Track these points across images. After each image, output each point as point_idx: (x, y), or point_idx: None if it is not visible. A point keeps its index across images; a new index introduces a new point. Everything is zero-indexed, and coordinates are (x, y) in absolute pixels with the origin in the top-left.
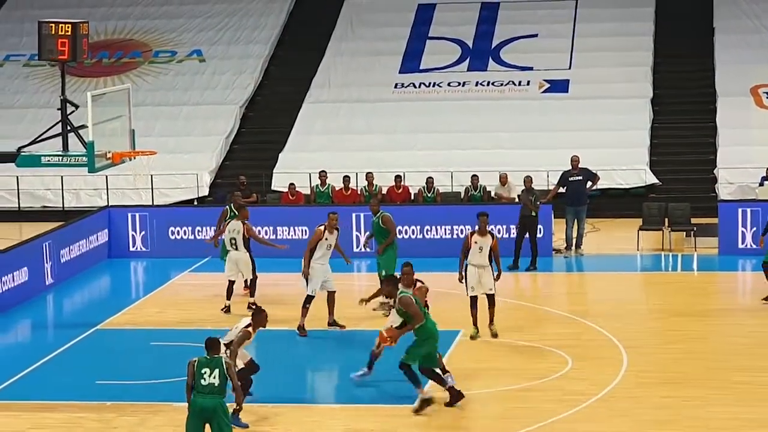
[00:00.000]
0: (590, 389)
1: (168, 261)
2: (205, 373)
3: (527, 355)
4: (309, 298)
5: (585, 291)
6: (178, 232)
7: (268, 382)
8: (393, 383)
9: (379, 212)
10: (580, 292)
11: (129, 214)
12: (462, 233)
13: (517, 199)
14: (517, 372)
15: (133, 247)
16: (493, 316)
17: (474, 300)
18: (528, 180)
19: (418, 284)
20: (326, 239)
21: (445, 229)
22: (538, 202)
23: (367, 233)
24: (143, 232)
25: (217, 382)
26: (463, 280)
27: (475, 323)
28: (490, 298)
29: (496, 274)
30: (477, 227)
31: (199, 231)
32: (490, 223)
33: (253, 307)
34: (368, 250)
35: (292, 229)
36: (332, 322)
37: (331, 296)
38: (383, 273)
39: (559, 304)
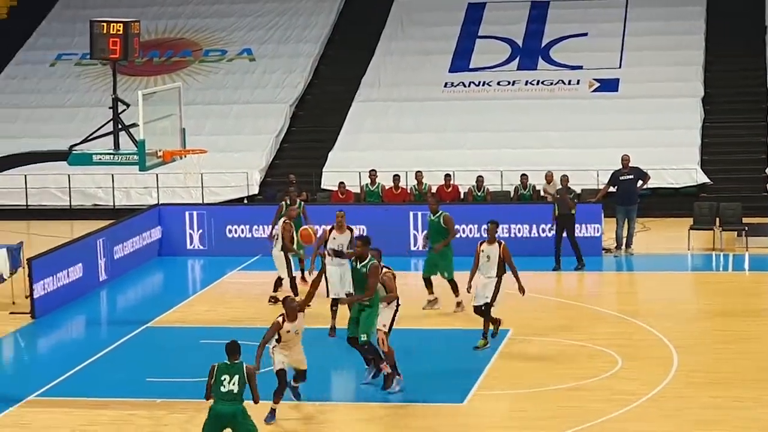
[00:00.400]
0: (640, 389)
1: (220, 259)
2: (225, 379)
3: (577, 354)
4: (333, 301)
5: (635, 290)
6: (235, 230)
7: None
8: (437, 381)
9: (439, 212)
10: (630, 292)
11: (186, 213)
12: (511, 232)
13: (551, 198)
14: (567, 371)
15: (191, 245)
16: (486, 329)
17: (477, 310)
18: (565, 178)
19: (385, 270)
20: (335, 239)
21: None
22: (576, 200)
23: (425, 232)
24: (201, 231)
25: (236, 389)
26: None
27: (484, 334)
28: (486, 308)
29: (517, 285)
30: (486, 235)
31: (255, 229)
32: (538, 222)
33: (272, 301)
34: (426, 249)
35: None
36: (332, 328)
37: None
38: (446, 275)
39: (609, 304)
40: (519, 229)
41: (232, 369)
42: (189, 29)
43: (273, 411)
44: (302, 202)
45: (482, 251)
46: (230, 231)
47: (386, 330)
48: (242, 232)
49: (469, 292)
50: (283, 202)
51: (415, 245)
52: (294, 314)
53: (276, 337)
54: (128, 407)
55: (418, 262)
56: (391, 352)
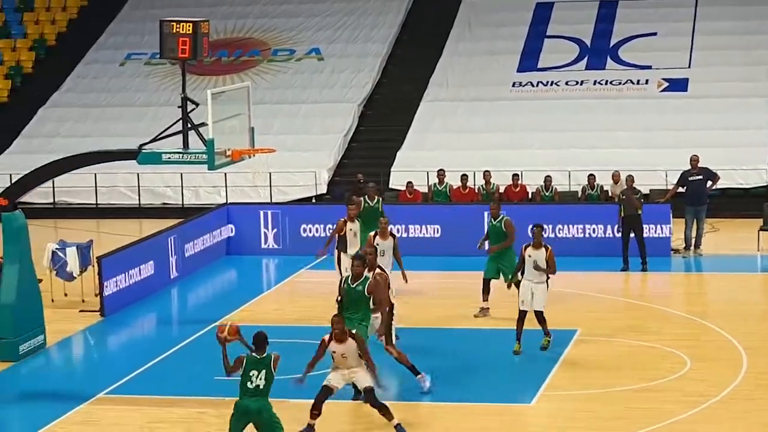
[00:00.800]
0: (709, 390)
1: (293, 258)
2: (253, 375)
3: (645, 355)
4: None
5: (704, 291)
6: (309, 229)
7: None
8: (505, 382)
9: (501, 216)
10: (699, 293)
11: (261, 212)
12: (579, 233)
13: (617, 198)
14: (635, 372)
15: (265, 244)
16: (546, 329)
17: (522, 315)
18: (630, 179)
19: (378, 270)
20: (378, 245)
21: (566, 228)
22: (642, 201)
23: (483, 236)
24: (275, 230)
25: (262, 384)
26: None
27: (518, 338)
28: (538, 315)
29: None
30: (532, 239)
31: (329, 228)
32: (602, 222)
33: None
34: (484, 249)
35: (409, 227)
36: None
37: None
38: (509, 277)
39: (677, 305)
40: (586, 229)
41: (261, 364)
42: (258, 29)
43: (310, 427)
44: (380, 199)
45: (529, 255)
46: (304, 230)
47: (384, 339)
48: (316, 231)
49: (509, 288)
50: (361, 199)
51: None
52: (341, 337)
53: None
54: (196, 405)
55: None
56: (402, 355)
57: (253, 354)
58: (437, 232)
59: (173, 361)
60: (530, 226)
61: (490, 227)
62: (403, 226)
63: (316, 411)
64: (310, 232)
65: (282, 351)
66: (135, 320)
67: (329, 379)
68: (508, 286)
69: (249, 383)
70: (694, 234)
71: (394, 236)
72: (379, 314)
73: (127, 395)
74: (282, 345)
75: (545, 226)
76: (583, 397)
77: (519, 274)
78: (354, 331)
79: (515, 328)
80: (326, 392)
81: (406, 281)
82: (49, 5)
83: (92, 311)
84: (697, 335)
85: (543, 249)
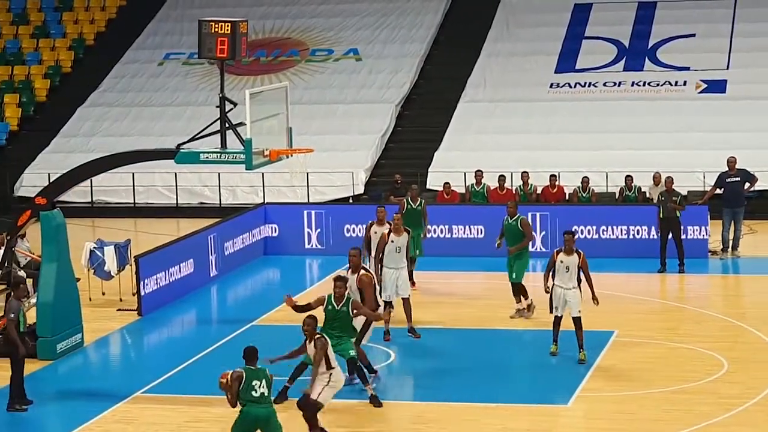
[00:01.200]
0: (746, 393)
1: (332, 258)
2: (256, 385)
3: (682, 357)
4: (386, 304)
5: (741, 293)
6: (353, 229)
7: (423, 381)
8: (543, 382)
9: (517, 215)
10: (736, 295)
11: (305, 211)
12: (614, 233)
13: (656, 200)
14: (672, 374)
15: (308, 244)
16: (582, 340)
17: (557, 320)
18: (669, 181)
19: (363, 271)
20: (392, 242)
21: (605, 229)
22: (683, 205)
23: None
24: (318, 230)
25: (266, 391)
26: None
27: (555, 340)
28: (576, 321)
29: (591, 295)
30: (563, 246)
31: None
32: (640, 223)
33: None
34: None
35: (447, 228)
36: (409, 329)
37: (405, 303)
38: (514, 276)
39: (714, 307)
40: (623, 230)
41: (259, 373)
42: (296, 29)
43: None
44: (422, 201)
45: (561, 261)
46: (347, 230)
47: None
48: (360, 231)
49: (547, 292)
50: (404, 200)
51: (533, 246)
52: (311, 338)
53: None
54: None
55: (537, 263)
56: (362, 352)
57: (249, 367)
58: (481, 233)
59: (210, 360)
60: (563, 233)
61: (505, 225)
62: (447, 227)
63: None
64: (354, 232)
65: None
66: (172, 319)
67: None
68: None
69: (254, 392)
70: (731, 236)
71: (408, 231)
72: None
73: (164, 394)
74: None
75: (577, 228)
76: (619, 399)
77: (550, 277)
78: (317, 336)
79: (552, 329)
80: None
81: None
82: (88, 5)
83: (130, 310)
84: (734, 337)
85: (575, 255)
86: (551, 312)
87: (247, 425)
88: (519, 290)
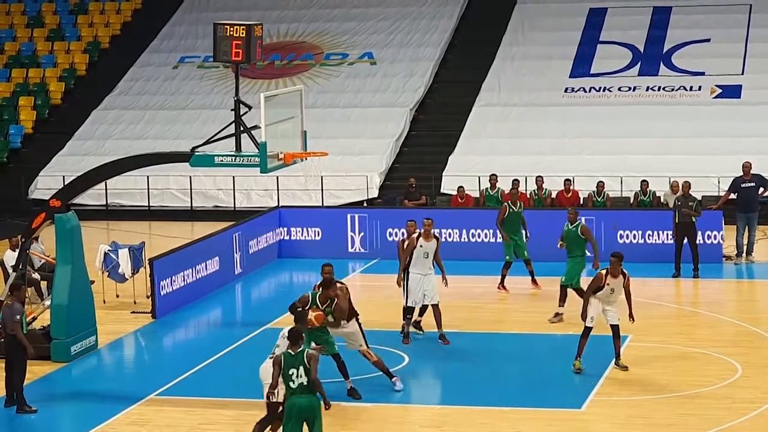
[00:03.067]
0: (760, 398)
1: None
2: (293, 374)
3: (696, 361)
4: (408, 309)
5: (755, 298)
6: (395, 233)
7: (436, 384)
8: (556, 386)
9: (578, 221)
10: (751, 300)
11: (348, 215)
12: (628, 238)
13: (672, 205)
14: (686, 378)
15: (352, 248)
16: (619, 349)
17: (587, 331)
18: (686, 185)
19: (338, 285)
20: (421, 246)
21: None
22: (699, 210)
23: (559, 240)
24: (362, 234)
25: (305, 380)
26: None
27: (579, 354)
28: (615, 329)
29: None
30: (609, 268)
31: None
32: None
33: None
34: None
35: (461, 232)
36: (440, 336)
37: (434, 309)
38: (563, 279)
39: (728, 311)
40: (638, 235)
41: (296, 360)
42: (310, 33)
43: None
44: (522, 204)
45: (607, 284)
46: (389, 234)
47: (366, 345)
48: (403, 236)
49: (583, 320)
50: (506, 204)
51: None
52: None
53: None
54: (247, 407)
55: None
56: (380, 360)
57: (288, 350)
58: (495, 237)
59: (224, 363)
60: (611, 254)
61: (565, 232)
62: (461, 231)
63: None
64: (395, 236)
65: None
66: (186, 322)
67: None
68: (576, 291)
69: (291, 383)
70: (745, 241)
71: (437, 239)
72: (350, 324)
73: (178, 397)
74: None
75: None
76: (633, 403)
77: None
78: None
79: (579, 343)
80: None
81: (446, 285)
82: (103, 8)
83: (144, 313)
84: (748, 342)
85: (621, 276)
86: (586, 323)
87: (293, 417)
88: (561, 295)
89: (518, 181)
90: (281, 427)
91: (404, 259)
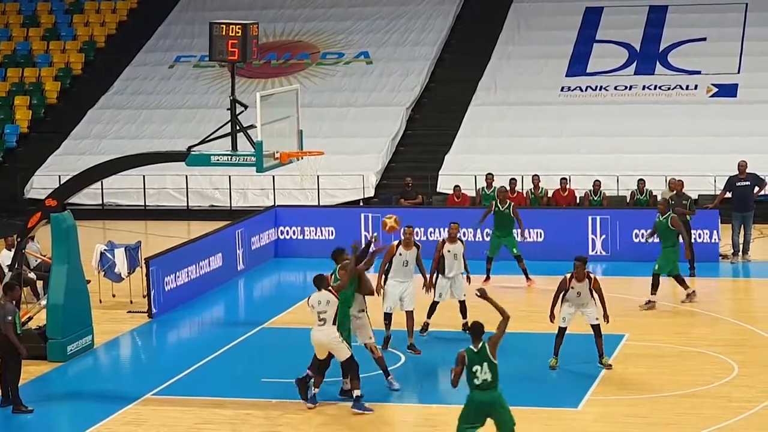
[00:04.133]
0: (757, 396)
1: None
2: (477, 370)
3: (693, 360)
4: (386, 315)
5: (752, 297)
6: (430, 233)
7: (432, 384)
8: (552, 386)
9: (668, 213)
10: (747, 298)
11: (361, 214)
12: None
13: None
14: (683, 377)
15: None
16: (602, 347)
17: (562, 331)
18: (680, 184)
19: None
20: (401, 255)
21: (615, 233)
22: (693, 209)
23: (650, 231)
24: (375, 234)
25: (489, 376)
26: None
27: (555, 353)
28: (595, 328)
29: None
30: (574, 272)
31: (431, 232)
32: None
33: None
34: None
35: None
36: (409, 346)
37: (408, 316)
38: (656, 268)
39: (725, 310)
40: (635, 233)
41: (479, 357)
42: (306, 32)
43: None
44: (511, 204)
45: (572, 287)
46: (424, 233)
47: (374, 339)
48: (423, 235)
49: (552, 321)
50: (492, 204)
51: (593, 249)
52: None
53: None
54: (243, 407)
55: (597, 267)
56: (382, 357)
57: (471, 348)
58: (540, 236)
59: (220, 362)
60: (574, 258)
61: (657, 223)
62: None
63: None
64: (416, 235)
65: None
66: (182, 321)
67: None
68: (676, 279)
69: (475, 379)
70: (741, 240)
71: (418, 246)
72: (361, 316)
73: (175, 396)
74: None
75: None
76: (630, 402)
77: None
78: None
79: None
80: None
81: (427, 292)
82: (99, 7)
83: (140, 312)
84: (745, 341)
85: (586, 280)
86: (559, 324)
87: (472, 412)
88: (679, 281)
89: (515, 180)
90: (459, 419)
91: (384, 263)
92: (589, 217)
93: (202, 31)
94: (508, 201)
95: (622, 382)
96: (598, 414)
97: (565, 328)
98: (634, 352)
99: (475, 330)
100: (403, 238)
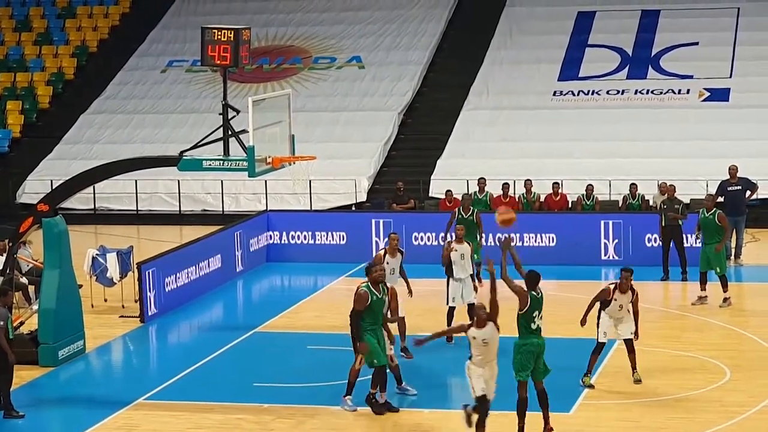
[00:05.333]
0: (749, 401)
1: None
2: (535, 315)
3: (685, 365)
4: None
5: (744, 301)
6: (421, 237)
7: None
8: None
9: (714, 209)
10: (739, 303)
11: (372, 220)
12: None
13: (657, 207)
14: (675, 382)
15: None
16: (635, 362)
17: (600, 347)
18: (671, 188)
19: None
20: (387, 263)
21: (607, 237)
22: (685, 213)
23: (696, 228)
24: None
25: (541, 323)
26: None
27: (589, 371)
28: (628, 343)
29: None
30: (619, 283)
31: (422, 238)
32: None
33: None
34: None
35: (524, 236)
36: (402, 349)
37: (400, 323)
38: (717, 270)
39: (717, 315)
40: (647, 238)
41: (540, 303)
42: (299, 36)
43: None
44: (475, 210)
45: (615, 299)
46: (415, 238)
47: (392, 350)
48: (428, 240)
49: (583, 326)
50: (455, 211)
51: (606, 254)
52: (482, 322)
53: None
54: (235, 411)
55: (609, 271)
56: (398, 366)
57: (532, 291)
58: (552, 241)
59: (212, 367)
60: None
61: (701, 219)
62: (518, 235)
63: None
64: (421, 240)
65: (321, 358)
66: (174, 326)
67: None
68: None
69: (532, 324)
70: (733, 244)
71: (402, 252)
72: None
73: (166, 401)
74: (322, 352)
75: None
76: (622, 407)
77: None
78: None
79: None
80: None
81: (411, 295)
82: (91, 12)
83: (132, 317)
84: (737, 345)
85: (629, 292)
86: (598, 339)
87: (529, 354)
88: (722, 283)
89: (508, 184)
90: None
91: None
92: (602, 222)
93: (194, 36)
94: (472, 208)
95: (615, 386)
96: (591, 418)
97: (604, 344)
98: (626, 356)
99: (534, 277)
100: (389, 245)
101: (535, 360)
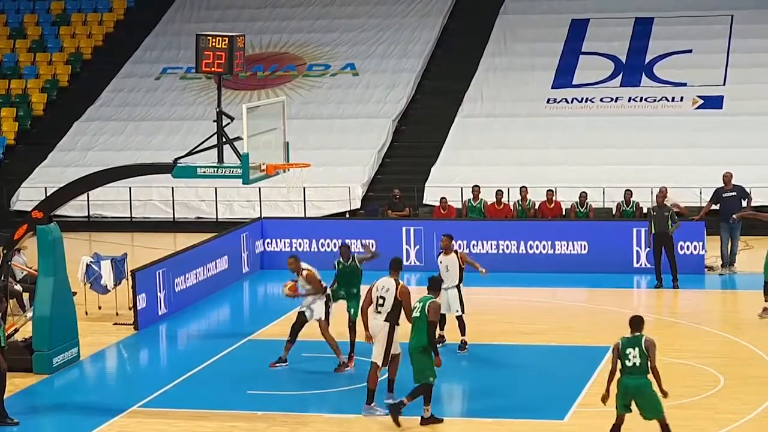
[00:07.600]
0: (742, 408)
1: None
2: (629, 353)
3: (678, 372)
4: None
5: (738, 309)
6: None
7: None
8: (539, 397)
9: None
10: (733, 310)
11: (403, 228)
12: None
13: (648, 215)
14: (669, 389)
15: (407, 260)
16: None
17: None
18: (661, 196)
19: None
20: (441, 261)
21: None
22: (676, 220)
23: None
24: (417, 246)
25: (638, 361)
26: None
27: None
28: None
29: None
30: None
31: (473, 245)
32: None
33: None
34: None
35: (555, 243)
36: None
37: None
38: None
39: (711, 322)
40: (680, 246)
41: (634, 342)
42: (293, 43)
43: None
44: (354, 257)
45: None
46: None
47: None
48: (458, 247)
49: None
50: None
51: (637, 261)
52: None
53: None
54: (229, 419)
55: (641, 278)
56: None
57: (625, 336)
58: (584, 248)
59: (206, 374)
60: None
61: None
62: (549, 243)
63: None
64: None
65: (316, 366)
66: (168, 334)
67: None
68: None
69: (627, 361)
70: (728, 251)
71: (456, 252)
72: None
73: (160, 408)
74: (316, 360)
75: None
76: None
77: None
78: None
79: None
80: None
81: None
82: (86, 19)
83: (126, 324)
84: (731, 353)
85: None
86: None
87: (623, 395)
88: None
89: (502, 192)
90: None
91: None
92: (634, 230)
93: (188, 43)
94: (351, 255)
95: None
96: (584, 426)
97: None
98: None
99: (635, 322)
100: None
101: (630, 400)
